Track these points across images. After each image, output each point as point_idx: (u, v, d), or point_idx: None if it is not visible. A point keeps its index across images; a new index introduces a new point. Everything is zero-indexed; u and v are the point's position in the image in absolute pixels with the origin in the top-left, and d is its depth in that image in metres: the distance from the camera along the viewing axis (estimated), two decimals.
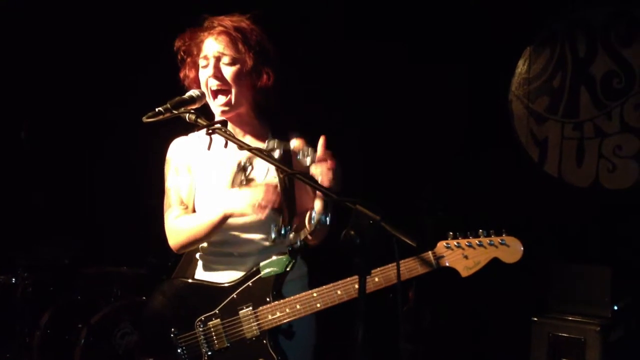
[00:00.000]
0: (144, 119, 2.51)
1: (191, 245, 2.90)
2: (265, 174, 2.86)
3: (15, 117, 6.00)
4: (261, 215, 2.62)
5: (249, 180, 2.76)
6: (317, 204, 2.64)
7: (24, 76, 6.01)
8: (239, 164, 2.77)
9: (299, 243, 2.68)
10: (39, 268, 5.65)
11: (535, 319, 4.96)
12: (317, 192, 2.63)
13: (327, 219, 2.61)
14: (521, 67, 5.92)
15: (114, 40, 6.00)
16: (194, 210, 2.94)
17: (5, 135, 6.02)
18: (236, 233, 2.83)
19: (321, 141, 2.59)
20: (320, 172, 2.53)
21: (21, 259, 5.50)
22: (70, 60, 6.09)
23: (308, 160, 2.55)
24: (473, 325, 5.49)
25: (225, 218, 2.72)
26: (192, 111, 2.59)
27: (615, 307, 4.86)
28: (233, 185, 2.77)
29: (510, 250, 2.54)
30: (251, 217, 2.71)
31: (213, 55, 2.79)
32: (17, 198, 6.08)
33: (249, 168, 2.78)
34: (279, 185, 2.79)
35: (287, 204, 2.80)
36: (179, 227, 2.86)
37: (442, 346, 5.44)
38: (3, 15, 5.79)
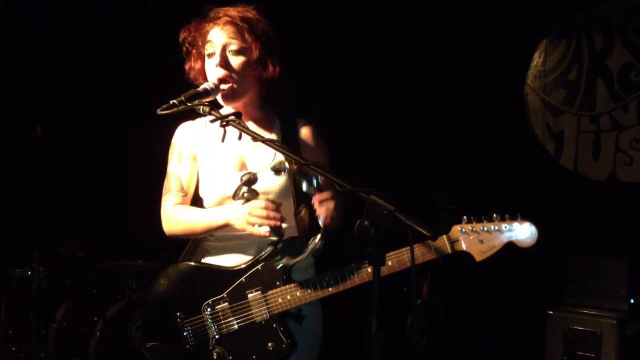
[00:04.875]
0: (158, 112, 2.52)
1: (185, 237, 2.95)
2: (270, 181, 2.84)
3: (28, 114, 6.03)
4: (261, 233, 2.65)
5: (251, 193, 2.75)
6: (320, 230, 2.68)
7: (31, 75, 6.05)
8: (241, 178, 2.76)
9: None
10: (55, 262, 5.69)
11: (551, 312, 4.95)
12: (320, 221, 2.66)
13: (322, 245, 2.65)
14: (537, 59, 5.88)
15: (118, 33, 6.03)
16: (194, 199, 2.96)
17: (20, 131, 6.06)
18: None
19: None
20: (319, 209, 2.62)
21: (37, 253, 5.54)
22: (75, 57, 6.12)
23: (310, 189, 2.60)
24: (488, 318, 5.47)
25: (226, 226, 2.75)
26: (206, 103, 2.59)
27: (632, 301, 4.84)
28: (235, 197, 2.76)
29: (526, 235, 2.52)
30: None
31: (219, 44, 2.79)
32: (32, 193, 6.12)
33: (254, 182, 2.78)
34: (284, 180, 2.80)
35: (296, 195, 2.80)
36: (177, 216, 2.89)
37: (457, 339, 5.42)
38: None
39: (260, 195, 2.73)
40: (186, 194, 2.93)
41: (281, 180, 2.81)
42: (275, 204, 2.66)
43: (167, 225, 2.94)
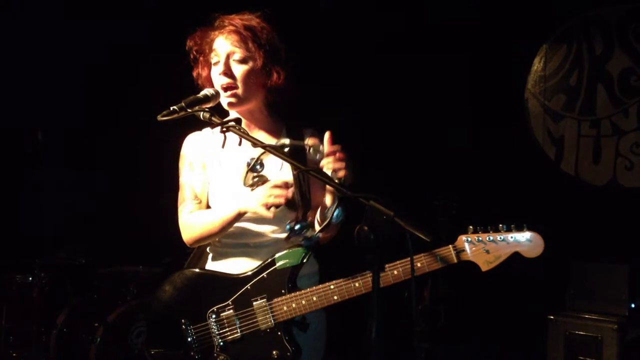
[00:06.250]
0: (159, 118, 2.51)
1: (204, 240, 2.91)
2: (279, 169, 2.87)
3: (30, 119, 6.04)
4: (270, 215, 2.63)
5: (260, 179, 2.75)
6: (328, 199, 2.65)
7: (32, 78, 6.05)
8: (248, 164, 2.76)
9: (313, 239, 2.67)
10: (56, 267, 5.69)
11: (552, 317, 4.94)
12: (328, 186, 2.63)
13: (341, 212, 2.59)
14: (537, 64, 5.89)
15: (123, 39, 6.03)
16: (207, 206, 2.95)
17: (21, 137, 6.07)
18: (253, 223, 2.84)
19: (327, 136, 2.59)
20: (331, 166, 2.54)
21: (38, 259, 5.54)
22: (77, 58, 6.12)
23: (318, 156, 2.56)
24: (489, 323, 5.47)
25: (240, 215, 2.73)
26: (207, 109, 2.60)
27: (633, 305, 4.83)
28: (245, 184, 2.77)
29: (532, 245, 2.53)
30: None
31: (224, 53, 2.80)
32: (33, 199, 6.13)
33: (259, 167, 2.77)
34: (293, 180, 2.79)
35: (301, 199, 2.80)
36: (193, 222, 2.88)
37: (457, 344, 5.42)
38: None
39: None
40: (201, 202, 2.93)
41: (285, 178, 2.81)
42: (283, 182, 2.62)
43: (185, 233, 2.91)
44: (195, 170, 2.95)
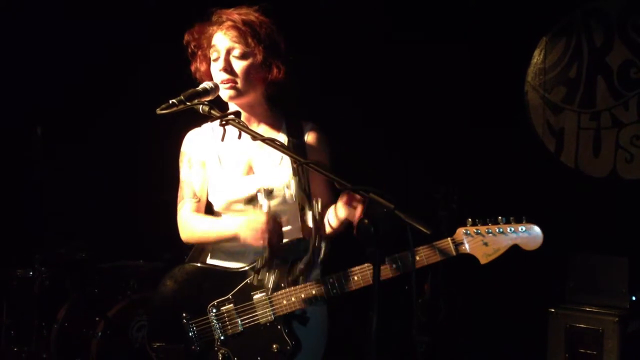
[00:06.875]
0: (158, 111, 2.52)
1: (200, 244, 3.00)
2: (279, 163, 2.87)
3: (30, 114, 6.03)
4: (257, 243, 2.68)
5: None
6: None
7: (31, 72, 6.04)
8: (259, 190, 2.78)
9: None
10: (56, 262, 5.68)
11: (553, 310, 4.95)
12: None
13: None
14: (537, 57, 5.88)
15: (120, 33, 6.03)
16: (207, 203, 2.97)
17: (21, 131, 6.06)
18: None
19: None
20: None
21: (38, 253, 5.54)
22: (77, 55, 6.11)
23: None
24: (489, 316, 5.47)
25: (236, 237, 2.76)
26: (206, 103, 2.60)
27: (634, 298, 4.84)
28: (250, 204, 2.80)
29: (531, 237, 2.53)
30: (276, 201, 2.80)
31: (223, 49, 2.80)
32: (33, 194, 6.12)
33: (270, 196, 2.79)
34: (295, 183, 2.80)
35: (302, 193, 2.80)
36: (192, 227, 2.92)
37: (458, 338, 5.42)
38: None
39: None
40: (200, 200, 2.96)
41: (286, 181, 2.81)
42: (276, 222, 2.67)
43: (183, 233, 2.97)
44: (193, 168, 2.96)
